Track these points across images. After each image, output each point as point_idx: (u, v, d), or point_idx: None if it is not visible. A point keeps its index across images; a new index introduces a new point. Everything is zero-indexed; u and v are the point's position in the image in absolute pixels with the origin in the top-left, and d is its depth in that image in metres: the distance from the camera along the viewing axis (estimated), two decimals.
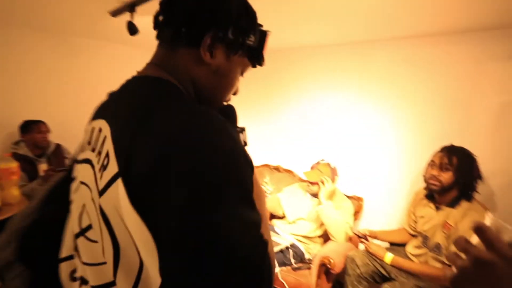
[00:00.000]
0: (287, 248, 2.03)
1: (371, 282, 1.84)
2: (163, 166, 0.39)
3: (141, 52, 3.16)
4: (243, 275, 0.38)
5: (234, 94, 0.63)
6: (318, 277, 1.87)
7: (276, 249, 1.98)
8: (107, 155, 0.46)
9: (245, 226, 0.40)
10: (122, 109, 0.49)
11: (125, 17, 1.82)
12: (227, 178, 0.40)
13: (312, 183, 2.18)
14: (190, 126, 0.41)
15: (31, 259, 0.59)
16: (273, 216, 2.54)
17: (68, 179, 0.61)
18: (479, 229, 0.38)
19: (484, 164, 1.67)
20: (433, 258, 1.67)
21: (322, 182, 2.10)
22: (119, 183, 0.43)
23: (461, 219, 1.57)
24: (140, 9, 1.78)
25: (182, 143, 0.39)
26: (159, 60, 0.56)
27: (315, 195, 2.20)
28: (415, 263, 1.70)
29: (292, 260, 2.00)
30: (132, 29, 1.70)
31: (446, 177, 1.63)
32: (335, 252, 1.89)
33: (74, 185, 0.57)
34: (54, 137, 2.55)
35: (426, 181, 1.75)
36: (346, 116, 2.50)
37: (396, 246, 1.97)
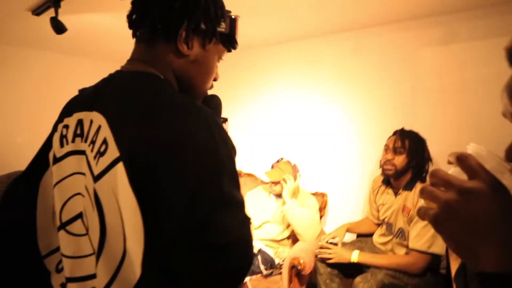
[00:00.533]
0: (254, 254, 1.90)
1: (344, 278, 1.78)
2: (165, 161, 0.44)
3: (77, 60, 2.87)
4: (236, 249, 0.45)
5: (215, 80, 0.67)
6: (290, 281, 1.76)
7: None
8: (104, 142, 0.48)
9: (237, 208, 0.48)
10: (116, 101, 0.52)
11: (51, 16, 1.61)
12: (223, 169, 0.47)
13: (274, 183, 2.10)
14: (189, 126, 0.47)
15: None
16: None
17: (28, 178, 0.59)
18: (461, 158, 0.35)
19: (432, 146, 1.72)
20: (398, 244, 1.66)
21: (284, 181, 2.02)
22: (120, 166, 0.46)
23: (418, 200, 1.58)
24: (68, 6, 1.59)
25: (182, 142, 0.45)
26: (141, 56, 0.59)
27: (279, 196, 2.11)
28: (380, 256, 1.66)
29: (262, 267, 1.88)
30: (58, 26, 1.51)
31: (400, 160, 1.65)
32: (304, 252, 1.80)
33: (53, 180, 0.55)
34: None
35: (381, 166, 1.75)
36: (302, 112, 2.48)
37: (364, 237, 1.95)
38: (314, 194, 2.31)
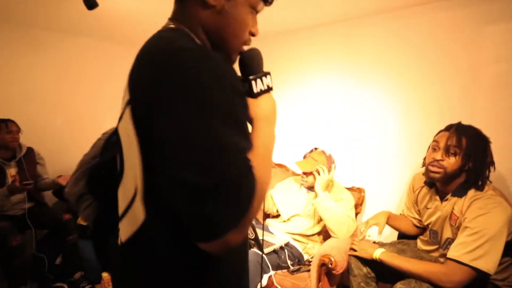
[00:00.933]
0: (281, 248, 1.78)
1: (382, 282, 1.59)
2: (156, 103, 0.46)
3: (109, 46, 2.93)
4: (227, 194, 0.43)
5: (253, 35, 0.64)
6: (319, 279, 1.61)
7: (268, 249, 1.73)
8: (125, 89, 0.55)
9: (232, 152, 0.44)
10: (140, 55, 0.56)
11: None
12: (215, 110, 0.44)
13: (306, 174, 1.94)
14: (183, 70, 0.46)
15: (98, 191, 0.74)
16: (267, 216, 2.29)
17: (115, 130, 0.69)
18: None
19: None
20: (445, 255, 1.41)
21: (317, 172, 1.86)
22: (128, 109, 0.51)
23: (468, 206, 1.29)
24: None
25: (173, 85, 0.45)
26: (175, 15, 0.62)
27: (311, 188, 1.96)
28: (407, 259, 1.40)
29: (289, 262, 1.74)
30: (90, 2, 1.49)
31: (452, 162, 1.33)
32: (336, 249, 1.63)
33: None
34: (22, 140, 2.32)
35: (425, 166, 1.44)
36: (339, 101, 2.28)
37: (406, 240, 1.72)
38: (350, 189, 2.12)
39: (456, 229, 1.34)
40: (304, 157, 2.03)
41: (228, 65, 0.50)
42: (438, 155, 1.36)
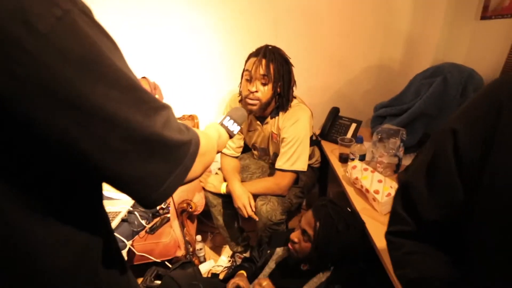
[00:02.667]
0: (129, 212, 1.51)
1: None
2: None
3: None
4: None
5: None
6: (182, 226, 1.53)
7: (115, 222, 1.42)
8: None
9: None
10: None
11: None
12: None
13: None
14: None
15: None
16: None
17: None
18: None
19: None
20: None
21: None
22: None
23: (282, 122, 1.46)
24: None
25: None
26: None
27: None
28: (248, 184, 1.49)
29: (143, 222, 1.53)
30: None
31: (265, 91, 1.35)
32: (191, 191, 1.56)
33: None
34: None
35: (243, 98, 1.44)
36: (164, 26, 1.79)
37: (244, 154, 1.83)
38: (181, 118, 1.95)
39: (279, 145, 1.51)
40: None
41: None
42: (252, 87, 1.36)
